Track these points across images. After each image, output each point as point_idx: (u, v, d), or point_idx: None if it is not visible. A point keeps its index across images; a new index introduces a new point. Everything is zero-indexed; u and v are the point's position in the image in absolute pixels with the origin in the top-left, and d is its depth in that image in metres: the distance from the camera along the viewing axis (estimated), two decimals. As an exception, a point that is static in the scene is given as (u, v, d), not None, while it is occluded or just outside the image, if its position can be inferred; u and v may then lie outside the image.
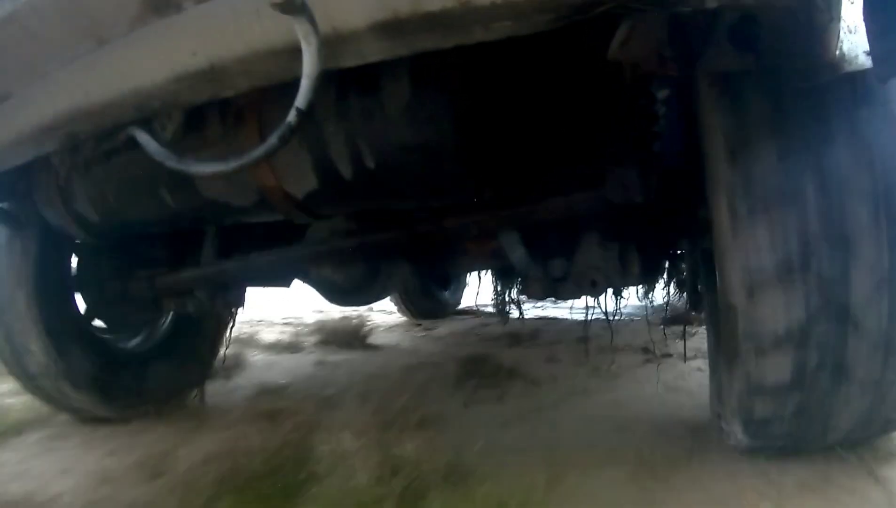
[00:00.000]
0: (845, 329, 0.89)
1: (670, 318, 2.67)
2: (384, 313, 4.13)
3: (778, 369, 0.94)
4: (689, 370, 2.06)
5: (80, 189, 1.35)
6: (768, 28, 0.73)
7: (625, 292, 2.59)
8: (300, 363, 2.60)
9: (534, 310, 3.95)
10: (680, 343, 2.38)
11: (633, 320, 3.13)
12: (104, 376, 1.73)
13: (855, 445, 1.14)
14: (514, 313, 3.61)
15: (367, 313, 3.89)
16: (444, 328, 3.58)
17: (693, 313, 2.35)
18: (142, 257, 1.73)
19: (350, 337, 2.95)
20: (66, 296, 1.71)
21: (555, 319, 3.69)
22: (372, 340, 3.04)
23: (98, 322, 1.79)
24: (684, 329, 2.39)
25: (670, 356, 2.33)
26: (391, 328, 3.66)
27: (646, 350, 2.43)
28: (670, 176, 1.18)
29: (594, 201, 1.15)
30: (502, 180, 1.18)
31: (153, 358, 1.93)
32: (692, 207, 1.17)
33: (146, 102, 0.95)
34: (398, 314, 4.00)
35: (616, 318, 2.99)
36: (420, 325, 3.66)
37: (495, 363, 2.26)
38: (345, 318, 3.27)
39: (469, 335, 3.28)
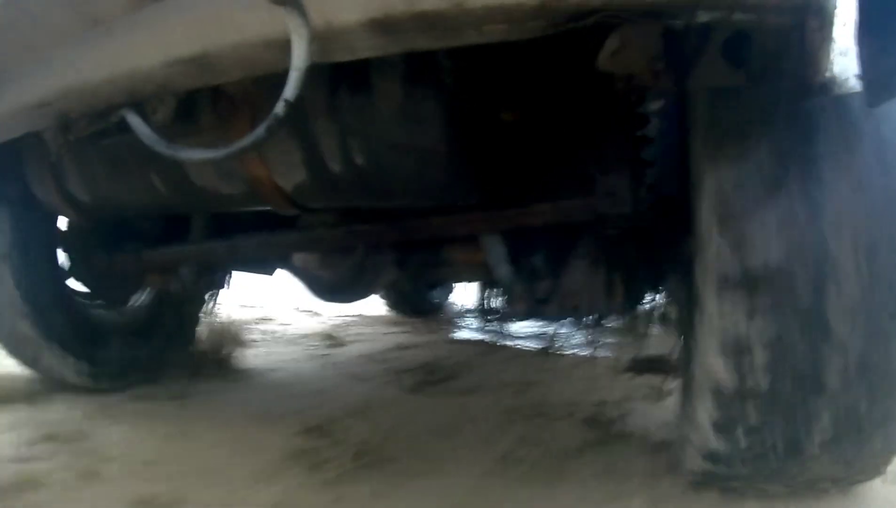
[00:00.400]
0: (819, 349, 0.88)
1: (642, 363, 2.01)
2: (308, 315, 3.32)
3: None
4: (653, 473, 1.21)
5: (72, 169, 1.35)
6: (761, 46, 0.73)
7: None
8: (78, 411, 1.64)
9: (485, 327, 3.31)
10: (647, 410, 1.66)
11: (593, 359, 2.47)
12: (87, 347, 1.75)
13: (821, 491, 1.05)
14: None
15: (277, 316, 3.15)
16: (358, 346, 2.77)
17: (673, 357, 1.81)
18: (130, 231, 1.74)
19: (220, 354, 2.20)
20: (52, 268, 1.73)
21: (495, 346, 2.91)
22: (248, 360, 2.27)
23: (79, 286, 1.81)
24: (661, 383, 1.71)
25: (628, 436, 1.46)
26: (293, 340, 2.84)
27: (593, 422, 1.58)
28: (662, 203, 1.18)
29: (583, 209, 1.15)
30: (492, 184, 1.18)
31: (137, 332, 1.95)
32: (681, 237, 1.16)
33: (139, 86, 0.94)
34: (318, 319, 3.35)
35: (573, 352, 2.48)
36: (332, 339, 2.87)
37: (356, 433, 1.49)
38: (232, 325, 2.45)
39: (376, 363, 2.44)
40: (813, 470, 0.99)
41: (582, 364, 2.34)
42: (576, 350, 2.61)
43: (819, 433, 0.92)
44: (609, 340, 2.68)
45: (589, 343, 2.66)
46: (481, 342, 3.03)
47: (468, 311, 3.87)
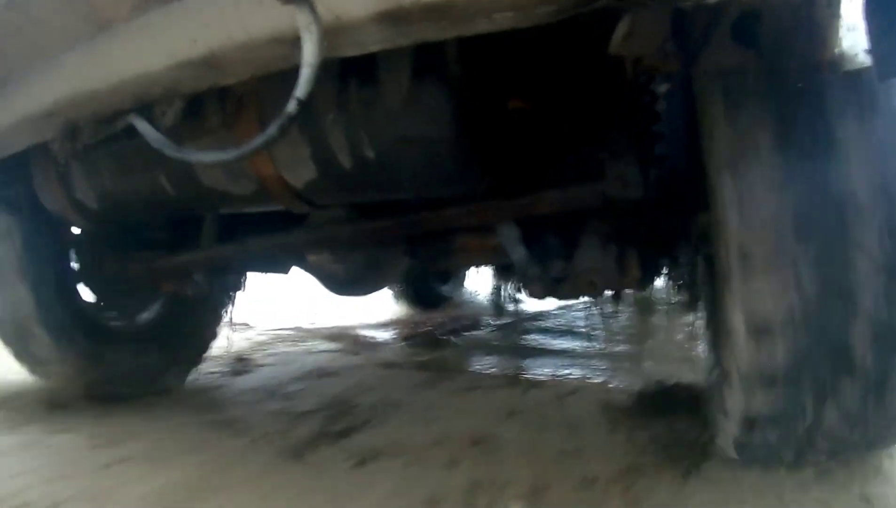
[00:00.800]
0: (846, 316, 0.88)
1: (654, 400, 1.41)
2: (239, 328, 2.72)
3: (775, 361, 0.93)
4: None
5: (80, 176, 1.35)
6: (770, 24, 0.73)
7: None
8: None
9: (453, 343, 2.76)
10: (666, 494, 1.01)
11: (584, 383, 1.84)
12: (100, 356, 1.77)
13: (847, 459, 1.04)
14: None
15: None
16: (268, 372, 2.24)
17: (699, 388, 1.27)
18: (142, 239, 1.75)
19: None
20: (63, 274, 1.74)
21: (448, 372, 2.16)
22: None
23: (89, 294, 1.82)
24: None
25: None
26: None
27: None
28: (672, 178, 1.17)
29: (593, 195, 1.15)
30: (502, 174, 1.18)
31: (146, 340, 1.95)
32: (693, 210, 1.16)
33: (146, 90, 0.94)
34: (245, 334, 2.91)
35: (557, 377, 1.90)
36: (242, 362, 2.38)
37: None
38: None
39: (274, 399, 1.84)
40: (840, 437, 0.99)
41: (567, 400, 1.64)
42: (561, 375, 1.96)
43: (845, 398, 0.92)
44: (607, 361, 2.03)
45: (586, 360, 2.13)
46: (430, 364, 2.33)
47: (481, 309, 3.81)
